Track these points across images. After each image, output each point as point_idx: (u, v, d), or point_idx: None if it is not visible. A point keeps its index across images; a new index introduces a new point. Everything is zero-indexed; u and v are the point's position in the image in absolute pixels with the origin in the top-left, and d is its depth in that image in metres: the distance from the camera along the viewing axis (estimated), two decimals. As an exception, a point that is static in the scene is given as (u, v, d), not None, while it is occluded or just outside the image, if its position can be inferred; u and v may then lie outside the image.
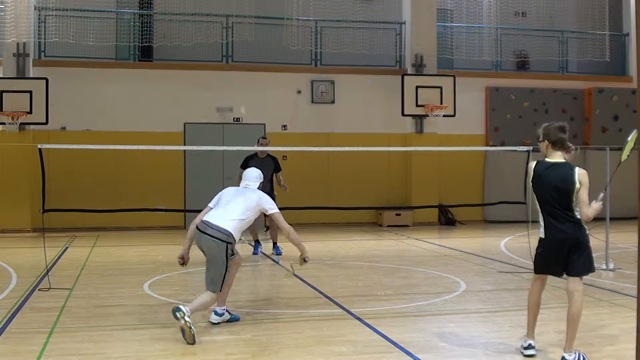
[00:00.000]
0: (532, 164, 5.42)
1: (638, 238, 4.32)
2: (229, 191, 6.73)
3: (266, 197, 6.73)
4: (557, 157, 5.39)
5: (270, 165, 11.30)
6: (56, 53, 16.01)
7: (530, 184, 5.37)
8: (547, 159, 5.41)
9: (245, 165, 10.96)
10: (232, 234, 6.27)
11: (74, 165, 14.96)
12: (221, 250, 6.22)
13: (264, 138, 11.77)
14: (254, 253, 11.58)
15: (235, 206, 6.45)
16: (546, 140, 5.42)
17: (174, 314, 5.79)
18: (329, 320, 6.62)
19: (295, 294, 8.26)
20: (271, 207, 6.65)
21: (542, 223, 5.32)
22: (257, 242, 11.74)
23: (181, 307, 5.81)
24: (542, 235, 5.36)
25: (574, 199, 5.41)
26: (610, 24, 18.49)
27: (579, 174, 5.33)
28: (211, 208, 6.60)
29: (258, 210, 6.63)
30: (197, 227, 6.37)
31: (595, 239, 12.86)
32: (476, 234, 15.80)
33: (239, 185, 6.93)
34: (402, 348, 5.60)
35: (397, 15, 17.82)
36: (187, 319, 5.70)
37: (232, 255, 6.32)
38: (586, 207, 5.43)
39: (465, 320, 6.87)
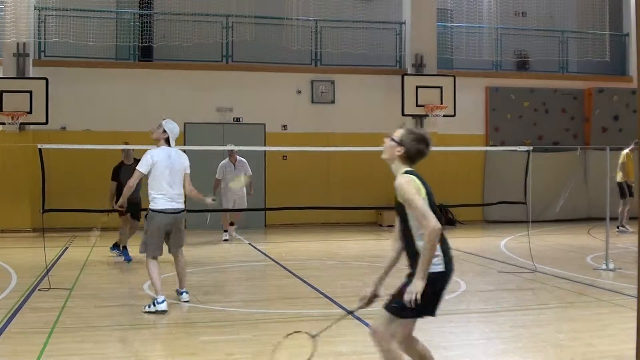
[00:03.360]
0: (414, 177, 4.03)
1: (638, 238, 4.33)
2: (168, 160, 7.69)
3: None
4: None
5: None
6: (56, 53, 16.00)
7: (426, 198, 3.96)
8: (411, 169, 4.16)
9: (116, 176, 11.04)
10: None
11: (74, 165, 14.95)
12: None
13: (127, 143, 11.50)
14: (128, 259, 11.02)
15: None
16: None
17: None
18: (329, 320, 6.61)
19: (295, 294, 8.26)
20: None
21: (440, 251, 3.94)
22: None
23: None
24: (442, 268, 3.95)
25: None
26: (610, 24, 18.49)
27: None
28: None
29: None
30: (165, 209, 7.43)
31: (595, 239, 12.91)
32: (476, 234, 15.80)
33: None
34: (402, 348, 5.59)
35: (397, 15, 17.82)
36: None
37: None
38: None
39: (465, 320, 6.86)
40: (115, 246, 11.48)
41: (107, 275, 9.60)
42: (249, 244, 13.42)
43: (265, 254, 11.84)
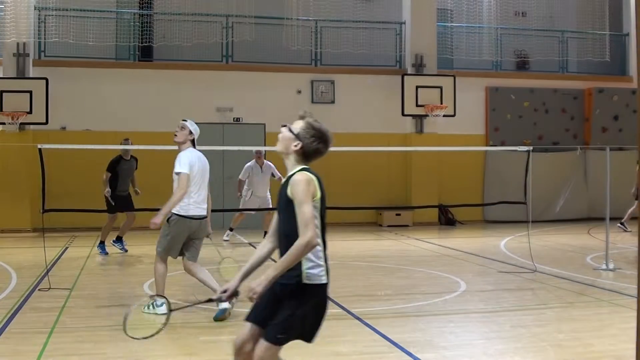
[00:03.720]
0: (314, 178, 3.58)
1: (638, 238, 4.32)
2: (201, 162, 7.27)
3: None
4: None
5: (134, 166, 11.86)
6: (56, 53, 16.00)
7: (318, 204, 3.55)
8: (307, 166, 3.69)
9: (112, 168, 11.46)
10: None
11: (74, 165, 14.94)
12: None
13: (127, 139, 11.89)
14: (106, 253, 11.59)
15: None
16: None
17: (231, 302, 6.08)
18: (329, 320, 6.53)
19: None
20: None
21: (323, 260, 3.61)
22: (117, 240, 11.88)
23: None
24: (326, 279, 3.64)
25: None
26: (610, 24, 18.49)
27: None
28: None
29: None
30: (194, 216, 6.98)
31: (595, 239, 12.91)
32: (476, 234, 15.79)
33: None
34: (402, 348, 5.60)
35: (397, 15, 17.81)
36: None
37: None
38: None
39: (465, 320, 6.86)
40: (118, 240, 11.89)
41: (107, 275, 9.60)
42: (249, 244, 13.42)
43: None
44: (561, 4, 18.94)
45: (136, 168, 12.02)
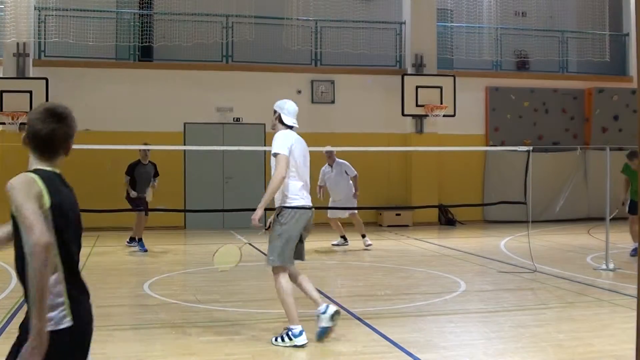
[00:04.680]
0: (39, 179, 2.70)
1: (638, 238, 4.32)
2: (302, 145, 6.22)
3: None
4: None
5: (152, 171, 12.04)
6: (56, 53, 16.00)
7: (49, 213, 2.68)
8: (49, 169, 2.85)
9: (131, 171, 11.78)
10: None
11: (73, 165, 14.89)
12: None
13: (147, 144, 12.03)
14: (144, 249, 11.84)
15: (308, 162, 6.25)
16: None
17: (333, 318, 5.65)
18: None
19: (295, 294, 8.25)
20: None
21: (65, 295, 2.68)
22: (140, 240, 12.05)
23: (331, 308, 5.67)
24: (69, 321, 2.65)
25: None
26: (610, 24, 18.49)
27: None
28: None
29: None
30: (304, 206, 5.81)
31: (595, 239, 12.90)
32: (476, 234, 15.79)
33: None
34: (402, 348, 5.60)
35: (397, 15, 17.82)
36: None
37: None
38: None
39: (465, 320, 6.86)
40: (132, 239, 12.19)
41: (107, 276, 9.59)
42: (249, 244, 13.41)
43: (265, 254, 11.82)
44: (561, 4, 18.95)
45: (157, 174, 12.12)
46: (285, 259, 5.76)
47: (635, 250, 10.81)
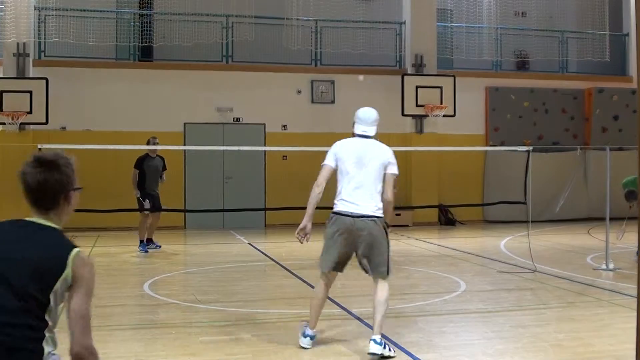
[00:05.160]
0: None
1: (638, 238, 4.32)
2: (354, 150, 5.80)
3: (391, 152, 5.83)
4: None
5: (160, 164, 12.10)
6: (56, 53, 16.00)
7: None
8: None
9: (140, 165, 11.79)
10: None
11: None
12: (380, 227, 5.47)
13: (155, 138, 12.18)
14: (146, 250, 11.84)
15: (372, 169, 5.68)
16: None
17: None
18: (329, 320, 6.61)
19: (295, 294, 8.26)
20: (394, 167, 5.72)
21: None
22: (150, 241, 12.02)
23: (376, 342, 5.23)
24: None
25: None
26: (610, 24, 18.49)
27: None
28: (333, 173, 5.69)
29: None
30: (342, 212, 5.51)
31: (595, 239, 12.91)
32: (476, 234, 15.79)
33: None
34: (402, 348, 5.60)
35: (397, 15, 17.81)
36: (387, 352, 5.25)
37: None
38: None
39: (465, 320, 6.86)
40: (149, 241, 12.12)
41: (107, 276, 9.59)
42: (249, 244, 13.43)
43: (265, 254, 11.85)
44: (561, 4, 18.95)
45: (165, 168, 12.13)
46: (321, 265, 5.72)
47: None
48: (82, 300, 2.52)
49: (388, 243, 5.53)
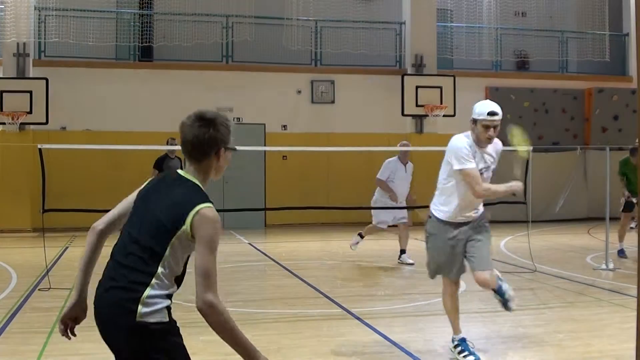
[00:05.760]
0: None
1: (638, 238, 4.32)
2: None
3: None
4: None
5: (178, 165, 12.11)
6: (56, 53, 16.01)
7: None
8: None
9: (160, 165, 11.92)
10: None
11: (74, 165, 14.94)
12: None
13: (174, 139, 12.14)
14: None
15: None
16: None
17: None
18: (329, 320, 6.62)
19: (295, 294, 8.26)
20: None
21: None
22: None
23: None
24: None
25: None
26: (610, 24, 18.49)
27: None
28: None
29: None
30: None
31: (595, 239, 12.90)
32: (476, 234, 15.76)
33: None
34: (402, 348, 5.60)
35: (397, 15, 17.81)
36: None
37: None
38: None
39: (465, 320, 6.85)
40: None
41: (107, 275, 9.59)
42: (249, 244, 13.43)
43: (265, 254, 11.85)
44: (561, 4, 18.95)
45: (182, 168, 12.11)
46: (431, 271, 5.93)
47: None
48: (203, 256, 2.66)
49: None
